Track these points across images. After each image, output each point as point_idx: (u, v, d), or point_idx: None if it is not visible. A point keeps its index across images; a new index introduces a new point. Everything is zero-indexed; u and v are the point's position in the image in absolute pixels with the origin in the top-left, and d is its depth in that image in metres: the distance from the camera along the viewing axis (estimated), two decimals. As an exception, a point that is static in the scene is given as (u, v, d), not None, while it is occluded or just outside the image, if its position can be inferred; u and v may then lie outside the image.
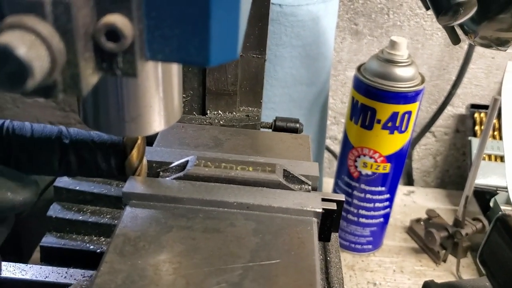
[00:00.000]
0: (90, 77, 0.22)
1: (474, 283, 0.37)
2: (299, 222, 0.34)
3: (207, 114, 0.61)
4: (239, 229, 0.33)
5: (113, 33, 0.21)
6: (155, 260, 0.30)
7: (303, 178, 0.37)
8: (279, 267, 0.30)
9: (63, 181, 0.57)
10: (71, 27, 0.20)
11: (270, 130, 0.62)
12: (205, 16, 0.23)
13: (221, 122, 0.60)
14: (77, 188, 0.57)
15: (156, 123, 0.32)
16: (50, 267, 0.49)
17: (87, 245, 0.55)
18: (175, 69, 0.31)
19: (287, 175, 0.37)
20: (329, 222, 0.35)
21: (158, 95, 0.31)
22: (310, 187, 0.37)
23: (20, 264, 0.54)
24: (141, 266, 0.29)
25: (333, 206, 0.35)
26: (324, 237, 0.36)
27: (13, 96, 1.00)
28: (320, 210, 0.34)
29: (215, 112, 0.62)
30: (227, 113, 0.61)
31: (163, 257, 0.30)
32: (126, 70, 0.23)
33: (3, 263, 0.51)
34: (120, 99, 0.30)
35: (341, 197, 0.36)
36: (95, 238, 0.57)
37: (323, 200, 0.36)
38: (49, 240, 0.55)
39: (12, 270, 0.47)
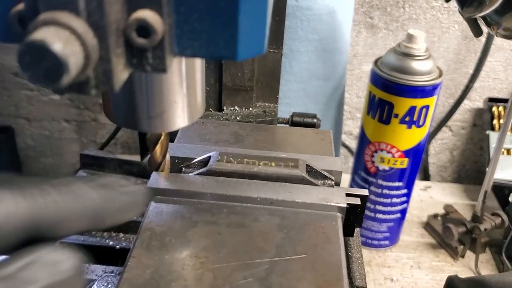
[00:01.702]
0: (121, 73, 0.22)
1: (500, 278, 0.37)
2: (324, 217, 0.34)
3: (223, 110, 0.61)
4: (263, 224, 0.33)
5: (144, 29, 0.21)
6: (182, 255, 0.30)
7: (326, 173, 0.37)
8: (305, 262, 0.30)
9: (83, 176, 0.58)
10: (104, 23, 0.20)
11: (287, 125, 0.62)
12: (233, 10, 0.23)
13: (237, 118, 0.60)
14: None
15: (180, 119, 0.32)
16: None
17: (107, 241, 0.56)
18: (198, 65, 0.31)
19: (310, 170, 0.37)
20: (353, 217, 0.35)
21: (182, 91, 0.31)
22: (333, 182, 0.37)
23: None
24: (168, 261, 0.29)
25: (357, 201, 0.35)
26: (347, 232, 0.36)
27: (28, 95, 1.01)
28: (345, 205, 0.34)
29: (232, 108, 0.62)
30: (243, 109, 0.61)
31: (189, 251, 0.30)
32: (156, 65, 0.23)
33: None
34: (145, 95, 0.30)
35: (365, 192, 0.36)
36: (114, 234, 0.58)
37: (347, 195, 0.35)
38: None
39: None
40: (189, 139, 0.42)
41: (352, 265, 0.42)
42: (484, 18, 0.45)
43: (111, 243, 0.56)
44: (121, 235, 0.57)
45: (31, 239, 0.24)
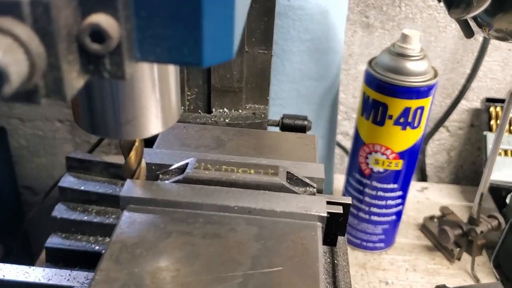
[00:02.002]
0: (74, 81, 0.20)
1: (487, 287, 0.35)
2: (303, 227, 0.32)
3: (212, 112, 0.60)
4: (240, 234, 0.32)
5: (98, 34, 0.20)
6: (152, 268, 0.29)
7: (307, 181, 0.36)
8: (281, 274, 0.29)
9: (68, 181, 0.57)
10: (52, 29, 0.18)
11: (278, 127, 0.61)
12: (197, 15, 0.22)
13: (226, 120, 0.59)
14: (82, 188, 0.56)
15: (153, 125, 0.30)
16: (53, 270, 0.48)
17: (92, 245, 0.55)
18: (172, 69, 0.30)
19: (291, 177, 0.36)
20: (335, 226, 0.34)
21: (154, 97, 0.29)
22: (315, 189, 0.36)
23: (23, 266, 0.54)
24: (138, 274, 0.28)
25: (339, 210, 0.34)
26: (330, 241, 0.35)
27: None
28: (325, 214, 0.33)
29: (221, 110, 0.60)
30: (233, 110, 0.60)
31: (161, 264, 0.29)
32: (113, 72, 0.21)
33: (5, 265, 0.51)
34: (114, 101, 0.29)
35: (348, 200, 0.35)
36: (100, 238, 0.57)
37: (329, 203, 0.34)
38: (54, 241, 0.55)
39: (15, 272, 0.47)
40: (168, 144, 0.40)
41: (338, 273, 0.40)
42: (475, 19, 0.44)
43: (97, 247, 0.55)
44: (107, 239, 0.56)
45: None
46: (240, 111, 0.60)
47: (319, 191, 0.37)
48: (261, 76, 0.60)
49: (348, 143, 1.01)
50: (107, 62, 0.21)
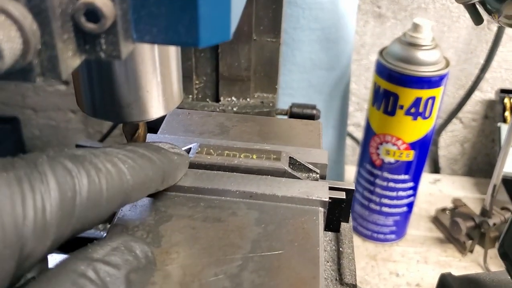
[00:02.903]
0: (70, 60, 0.21)
1: (495, 276, 0.35)
2: (304, 212, 0.32)
3: (220, 100, 0.60)
4: (241, 218, 0.32)
5: (93, 13, 0.20)
6: (152, 250, 0.29)
7: (310, 166, 0.36)
8: (281, 258, 0.29)
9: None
10: (46, 6, 0.19)
11: (286, 117, 0.61)
12: (193, -7, 0.22)
13: (234, 108, 0.59)
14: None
15: (154, 108, 0.30)
16: (64, 256, 0.49)
17: (101, 233, 0.55)
18: (173, 53, 0.30)
19: (294, 163, 0.36)
20: (337, 212, 0.34)
21: (155, 80, 0.30)
22: (318, 175, 0.36)
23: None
24: (138, 256, 0.28)
25: (342, 195, 0.34)
26: (333, 227, 0.35)
27: (35, 85, 1.01)
28: (327, 199, 0.33)
29: (229, 99, 0.60)
30: (241, 99, 0.60)
31: (160, 247, 0.29)
32: (109, 52, 0.21)
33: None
34: (115, 84, 0.29)
35: (351, 185, 0.34)
36: (108, 225, 0.57)
37: (332, 189, 0.34)
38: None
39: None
40: (173, 130, 0.41)
41: (343, 260, 0.40)
42: (483, 4, 0.43)
43: (105, 235, 0.56)
44: None
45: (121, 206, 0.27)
46: (248, 99, 0.60)
47: (322, 177, 0.37)
48: (270, 65, 0.59)
49: (360, 134, 1.00)
50: (103, 41, 0.21)
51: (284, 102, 0.70)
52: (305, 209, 0.32)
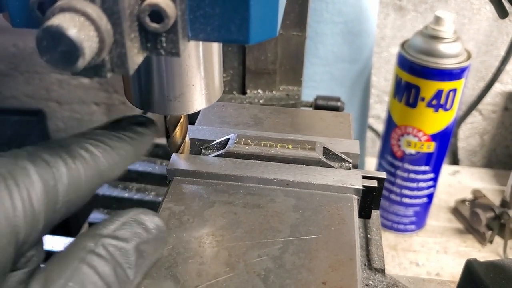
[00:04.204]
0: (136, 57, 0.22)
1: (520, 262, 0.36)
2: (339, 199, 0.34)
3: (246, 93, 0.62)
4: (279, 205, 0.33)
5: (157, 14, 0.22)
6: (198, 233, 0.31)
7: (343, 156, 0.38)
8: (319, 241, 0.30)
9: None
10: (118, 9, 0.20)
11: (311, 109, 0.62)
12: (245, -6, 0.23)
13: (261, 101, 0.61)
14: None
15: (198, 101, 0.32)
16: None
17: (122, 192, 0.58)
18: (216, 48, 0.32)
19: (327, 152, 0.37)
20: (369, 200, 0.35)
21: (199, 74, 0.31)
22: (350, 164, 0.38)
23: (65, 237, 0.57)
24: (186, 239, 0.30)
25: (374, 183, 0.35)
26: (364, 214, 0.36)
27: (59, 78, 1.04)
28: (360, 187, 0.34)
29: (255, 91, 0.62)
30: (266, 92, 0.62)
31: (206, 230, 0.31)
32: (169, 49, 0.23)
33: (50, 236, 0.54)
34: (164, 78, 0.31)
35: (382, 174, 0.36)
36: (131, 186, 0.60)
37: (364, 177, 0.36)
38: (97, 216, 0.58)
39: (63, 243, 0.50)
40: (209, 121, 0.42)
41: (371, 247, 0.42)
42: (510, -3, 0.44)
43: (126, 194, 0.58)
44: (149, 186, 0.59)
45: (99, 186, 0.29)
46: (274, 92, 0.62)
47: (354, 166, 0.38)
48: (295, 58, 0.61)
49: (379, 126, 1.01)
50: (164, 40, 0.23)
51: (306, 94, 0.72)
52: (340, 197, 0.34)
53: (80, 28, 0.19)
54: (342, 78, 0.78)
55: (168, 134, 0.66)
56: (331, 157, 0.37)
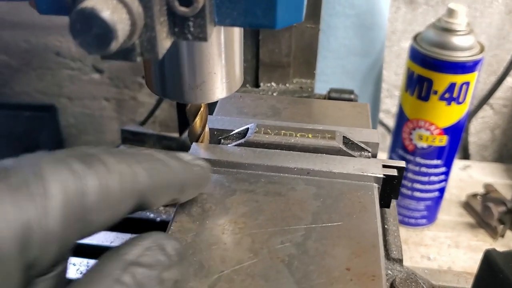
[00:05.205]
0: (164, 41, 0.23)
1: (540, 252, 0.36)
2: (360, 187, 0.34)
3: (260, 86, 0.62)
4: (300, 193, 0.33)
5: (186, -2, 0.22)
6: (221, 221, 0.31)
7: (363, 145, 0.38)
8: (341, 229, 0.31)
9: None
10: (148, -9, 0.20)
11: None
12: (272, -22, 0.23)
13: (274, 94, 0.61)
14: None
15: (219, 90, 0.32)
16: (114, 233, 0.51)
17: (147, 213, 0.58)
18: (237, 37, 0.32)
19: (347, 142, 0.38)
20: (389, 188, 0.35)
21: (220, 62, 0.31)
22: (370, 154, 0.38)
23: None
24: (209, 226, 0.31)
25: (394, 172, 0.35)
26: (384, 203, 0.36)
27: (70, 74, 1.04)
28: (381, 176, 0.34)
29: (268, 84, 0.62)
30: (280, 85, 0.62)
31: (228, 217, 0.31)
32: (197, 34, 0.23)
33: None
34: (186, 66, 0.31)
35: (402, 163, 0.36)
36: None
37: (384, 166, 0.36)
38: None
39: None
40: (227, 112, 0.43)
41: (389, 237, 0.42)
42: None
43: (151, 215, 0.58)
44: (161, 208, 0.59)
45: (134, 209, 0.26)
46: (287, 85, 0.62)
47: (374, 156, 0.38)
48: (309, 51, 0.61)
49: (389, 121, 1.01)
50: (191, 24, 0.23)
51: (318, 88, 0.72)
52: (360, 185, 0.34)
53: (113, 10, 0.19)
54: (354, 71, 0.78)
55: (182, 127, 0.66)
56: (350, 146, 0.37)
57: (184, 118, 0.67)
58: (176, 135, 0.68)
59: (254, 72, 0.62)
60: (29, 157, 0.22)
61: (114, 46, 0.19)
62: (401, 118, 0.75)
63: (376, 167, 0.35)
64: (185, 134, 0.65)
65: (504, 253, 0.38)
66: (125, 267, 0.22)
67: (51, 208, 0.21)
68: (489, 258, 0.38)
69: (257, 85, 0.62)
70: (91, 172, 0.23)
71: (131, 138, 0.62)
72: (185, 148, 0.54)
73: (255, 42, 0.59)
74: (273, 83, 0.62)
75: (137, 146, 0.62)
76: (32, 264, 0.21)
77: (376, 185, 0.34)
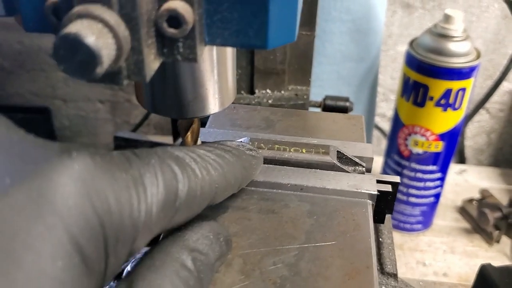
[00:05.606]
0: (152, 63, 0.22)
1: (535, 267, 0.36)
2: (354, 204, 0.33)
3: (255, 93, 0.61)
4: (293, 210, 0.33)
5: (175, 19, 0.21)
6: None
7: (357, 160, 0.37)
8: (334, 248, 0.30)
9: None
10: (136, 15, 0.20)
11: (319, 109, 0.62)
12: (264, -1, 0.23)
13: (269, 101, 0.60)
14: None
15: (212, 105, 0.32)
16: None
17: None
18: (230, 52, 0.31)
19: (341, 156, 0.37)
20: (383, 204, 0.35)
21: (213, 78, 0.31)
22: (364, 168, 0.37)
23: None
24: (199, 246, 0.30)
25: (388, 188, 0.35)
26: (378, 219, 0.36)
27: (64, 76, 1.03)
28: (375, 192, 0.34)
29: (263, 91, 0.61)
30: (275, 92, 0.61)
31: (220, 237, 0.31)
32: (186, 55, 0.23)
33: None
34: (177, 82, 0.30)
35: (397, 179, 0.35)
36: None
37: (378, 181, 0.35)
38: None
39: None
40: (220, 124, 0.42)
41: (383, 251, 0.41)
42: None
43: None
44: None
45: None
46: (282, 92, 0.61)
47: (368, 170, 0.38)
48: (304, 58, 0.60)
49: (385, 125, 1.01)
50: (181, 45, 0.23)
51: (314, 94, 0.71)
52: (354, 202, 0.34)
53: (98, 35, 0.18)
54: (350, 77, 0.77)
55: (176, 133, 0.65)
56: (344, 161, 0.37)
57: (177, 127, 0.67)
58: (169, 139, 0.68)
59: (249, 79, 0.61)
60: (140, 154, 0.24)
61: (99, 71, 0.19)
62: (397, 123, 0.75)
63: (370, 183, 0.34)
64: (178, 141, 0.65)
65: (500, 268, 0.38)
66: (188, 252, 0.24)
67: (156, 204, 0.23)
68: (484, 273, 0.38)
69: (252, 92, 0.61)
70: (186, 177, 0.25)
71: (124, 145, 0.61)
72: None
73: (250, 50, 0.58)
74: (268, 90, 0.61)
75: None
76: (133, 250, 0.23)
77: (370, 201, 0.34)
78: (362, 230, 0.31)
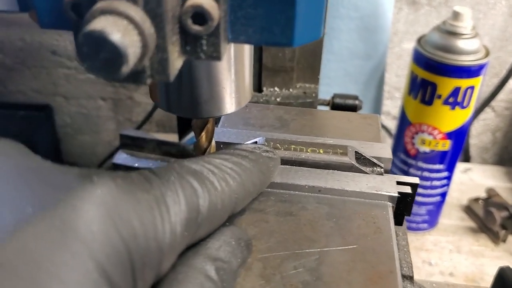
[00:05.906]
0: (176, 61, 0.21)
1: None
2: (374, 207, 0.33)
3: (263, 91, 0.60)
4: (311, 212, 0.32)
5: (200, 16, 0.20)
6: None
7: (375, 161, 0.36)
8: (356, 252, 0.29)
9: (122, 158, 0.58)
10: (161, 11, 0.19)
11: (328, 107, 0.61)
12: (292, -6, 0.22)
13: (278, 99, 0.59)
14: (136, 165, 0.57)
15: (228, 104, 0.31)
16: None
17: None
18: (247, 51, 0.30)
19: (359, 157, 0.36)
20: (402, 206, 0.34)
21: (230, 77, 0.30)
22: (382, 169, 0.36)
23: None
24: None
25: (408, 190, 0.34)
26: (396, 221, 0.35)
27: (66, 73, 1.02)
28: (396, 194, 0.33)
29: (272, 89, 0.60)
30: (283, 90, 0.60)
31: (238, 240, 0.30)
32: (210, 53, 0.22)
33: None
34: (193, 81, 0.29)
35: (416, 180, 0.35)
36: None
37: (397, 183, 0.34)
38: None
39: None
40: (233, 123, 0.41)
41: (399, 253, 0.41)
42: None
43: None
44: None
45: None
46: (291, 90, 0.60)
47: (387, 171, 0.37)
48: (313, 56, 0.59)
49: (390, 123, 1.00)
50: (204, 43, 0.22)
51: (321, 91, 0.70)
52: (374, 204, 0.33)
53: (124, 32, 0.17)
54: (357, 74, 0.76)
55: (182, 131, 0.64)
56: (362, 162, 0.36)
57: (184, 123, 0.66)
58: (173, 137, 0.67)
59: (257, 76, 0.60)
60: (158, 172, 0.24)
61: (125, 70, 0.18)
62: (403, 122, 0.74)
63: (390, 185, 0.33)
64: (185, 139, 0.64)
65: (520, 271, 0.37)
66: (212, 262, 0.24)
67: (180, 223, 0.23)
68: (503, 276, 0.38)
69: (260, 90, 0.60)
70: (206, 192, 0.25)
71: (130, 144, 0.60)
72: (185, 154, 0.52)
73: (258, 47, 0.57)
74: (276, 88, 0.60)
75: (136, 152, 0.60)
76: (160, 273, 0.23)
77: (390, 204, 0.33)
78: (383, 233, 0.30)
